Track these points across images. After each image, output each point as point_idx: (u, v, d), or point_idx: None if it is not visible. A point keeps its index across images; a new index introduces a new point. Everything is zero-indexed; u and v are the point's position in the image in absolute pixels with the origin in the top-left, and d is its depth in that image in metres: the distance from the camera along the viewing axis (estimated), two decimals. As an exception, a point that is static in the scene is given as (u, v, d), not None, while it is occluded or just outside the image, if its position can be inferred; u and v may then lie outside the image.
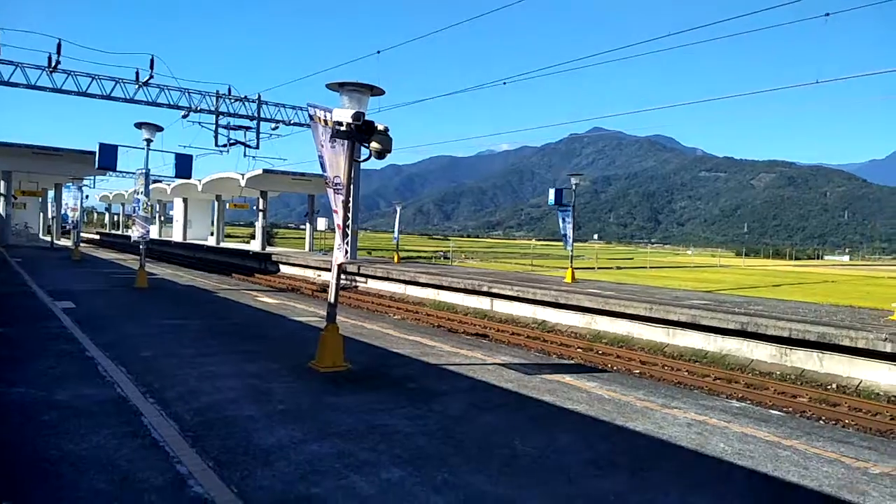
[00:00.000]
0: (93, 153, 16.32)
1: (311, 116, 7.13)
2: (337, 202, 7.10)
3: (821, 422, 10.40)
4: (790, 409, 11.20)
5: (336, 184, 7.06)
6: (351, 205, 7.73)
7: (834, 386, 12.68)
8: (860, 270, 75.77)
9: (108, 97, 25.36)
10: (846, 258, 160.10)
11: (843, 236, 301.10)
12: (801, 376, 13.27)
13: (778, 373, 13.57)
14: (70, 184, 28.94)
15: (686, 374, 13.71)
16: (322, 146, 7.07)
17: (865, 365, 12.61)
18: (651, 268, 52.97)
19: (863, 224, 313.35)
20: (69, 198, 29.36)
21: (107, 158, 15.27)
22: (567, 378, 7.30)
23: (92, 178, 44.53)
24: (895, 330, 12.83)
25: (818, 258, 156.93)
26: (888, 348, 12.08)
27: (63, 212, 31.02)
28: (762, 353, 14.23)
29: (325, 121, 6.84)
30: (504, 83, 23.75)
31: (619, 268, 50.84)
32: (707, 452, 4.82)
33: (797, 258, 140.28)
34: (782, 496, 4.09)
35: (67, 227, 29.35)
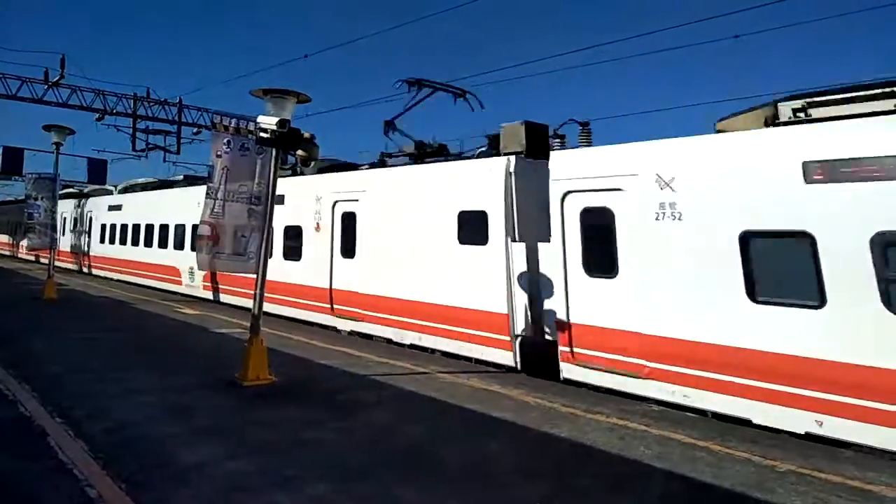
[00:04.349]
0: (-4, 156, 15.31)
1: (213, 124, 7.02)
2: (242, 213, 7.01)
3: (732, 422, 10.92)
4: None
5: (255, 196, 6.95)
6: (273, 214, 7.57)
7: (745, 387, 13.34)
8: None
9: (14, 97, 23.82)
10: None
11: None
12: (715, 379, 13.89)
13: (694, 376, 14.16)
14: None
15: (609, 379, 14.09)
16: (218, 155, 6.97)
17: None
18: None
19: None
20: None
21: (11, 162, 14.41)
22: (495, 386, 7.37)
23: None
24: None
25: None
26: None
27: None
28: (680, 357, 14.81)
29: (226, 126, 6.73)
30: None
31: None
32: (628, 456, 4.97)
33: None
34: (698, 497, 4.26)
35: None
